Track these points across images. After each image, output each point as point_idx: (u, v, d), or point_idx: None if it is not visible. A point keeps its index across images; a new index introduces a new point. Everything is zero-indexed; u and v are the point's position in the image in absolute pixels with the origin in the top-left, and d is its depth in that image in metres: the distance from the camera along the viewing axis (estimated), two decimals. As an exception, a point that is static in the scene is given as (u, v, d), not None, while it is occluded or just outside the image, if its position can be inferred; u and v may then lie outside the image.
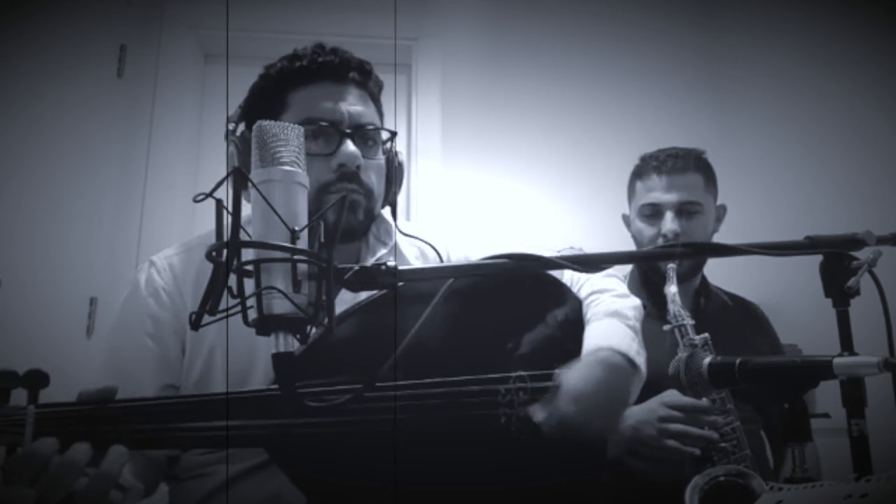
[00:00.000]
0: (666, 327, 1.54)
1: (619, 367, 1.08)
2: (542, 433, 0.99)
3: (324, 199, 1.09)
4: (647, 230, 1.73)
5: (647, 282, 1.78)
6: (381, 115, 1.22)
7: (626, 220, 1.86)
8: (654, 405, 1.46)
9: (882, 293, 0.82)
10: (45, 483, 0.78)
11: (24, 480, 0.78)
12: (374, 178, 1.15)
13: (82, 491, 0.78)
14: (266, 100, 1.16)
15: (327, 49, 1.16)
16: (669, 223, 1.68)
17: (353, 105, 1.14)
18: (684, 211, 1.70)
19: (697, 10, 2.87)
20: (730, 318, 1.78)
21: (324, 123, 1.11)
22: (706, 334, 1.53)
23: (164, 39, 2.62)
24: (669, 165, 1.72)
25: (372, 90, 1.20)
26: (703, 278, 1.82)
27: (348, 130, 1.12)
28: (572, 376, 1.03)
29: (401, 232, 1.21)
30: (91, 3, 2.35)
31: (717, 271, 1.83)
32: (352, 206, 1.11)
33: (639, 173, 1.78)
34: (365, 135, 1.14)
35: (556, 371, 1.04)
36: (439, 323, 0.92)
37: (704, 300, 1.78)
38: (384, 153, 1.19)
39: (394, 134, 1.19)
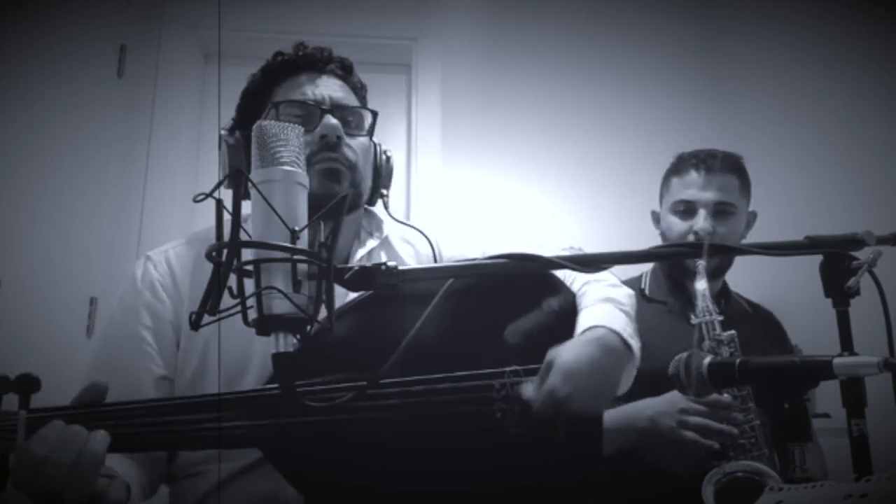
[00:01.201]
0: (694, 321, 1.56)
1: (614, 346, 1.08)
2: (532, 411, 0.98)
3: (308, 172, 1.09)
4: (678, 226, 1.73)
5: (670, 277, 1.79)
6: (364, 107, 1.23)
7: (655, 216, 1.86)
8: (675, 397, 1.45)
9: (882, 293, 0.81)
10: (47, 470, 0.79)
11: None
12: (359, 154, 1.16)
13: (68, 473, 0.79)
14: (254, 98, 1.20)
15: (309, 46, 1.21)
16: (702, 221, 1.68)
17: (334, 91, 1.18)
18: (718, 211, 1.70)
19: (697, 10, 2.87)
20: (748, 325, 1.76)
21: (309, 103, 1.14)
22: (733, 331, 1.54)
23: (164, 39, 2.62)
24: (709, 164, 1.72)
25: (354, 84, 1.23)
26: (725, 283, 1.82)
27: (328, 107, 1.15)
28: (566, 353, 1.02)
29: (392, 218, 1.22)
30: (91, 3, 2.35)
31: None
32: (334, 174, 1.12)
33: (676, 170, 1.78)
34: (346, 115, 1.17)
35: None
36: (438, 323, 0.92)
37: (725, 304, 1.78)
38: (369, 139, 1.20)
39: (375, 114, 1.20)
